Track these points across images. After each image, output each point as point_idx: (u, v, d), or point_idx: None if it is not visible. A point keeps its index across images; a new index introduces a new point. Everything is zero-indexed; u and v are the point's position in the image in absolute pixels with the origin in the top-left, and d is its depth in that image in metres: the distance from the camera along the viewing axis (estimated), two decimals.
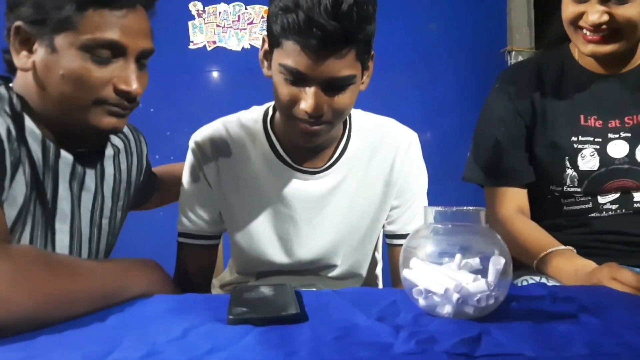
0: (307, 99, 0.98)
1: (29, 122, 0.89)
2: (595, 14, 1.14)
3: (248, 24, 2.91)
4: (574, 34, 1.22)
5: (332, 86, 0.99)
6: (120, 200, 1.08)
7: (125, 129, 1.11)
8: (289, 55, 0.96)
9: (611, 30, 1.16)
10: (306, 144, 1.08)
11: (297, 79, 0.98)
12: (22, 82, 0.91)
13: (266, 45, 1.05)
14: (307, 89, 0.98)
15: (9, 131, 0.82)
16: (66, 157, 0.93)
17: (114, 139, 1.07)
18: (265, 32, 1.05)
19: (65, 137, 0.94)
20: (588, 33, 1.17)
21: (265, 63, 1.07)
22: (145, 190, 1.21)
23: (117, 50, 0.88)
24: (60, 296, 0.69)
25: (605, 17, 1.14)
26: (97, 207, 1.01)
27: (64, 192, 0.93)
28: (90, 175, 1.00)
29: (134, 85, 0.89)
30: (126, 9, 0.88)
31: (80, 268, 0.75)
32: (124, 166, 1.09)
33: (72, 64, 0.85)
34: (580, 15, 1.17)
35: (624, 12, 1.13)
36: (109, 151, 1.05)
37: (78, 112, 0.89)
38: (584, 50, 1.21)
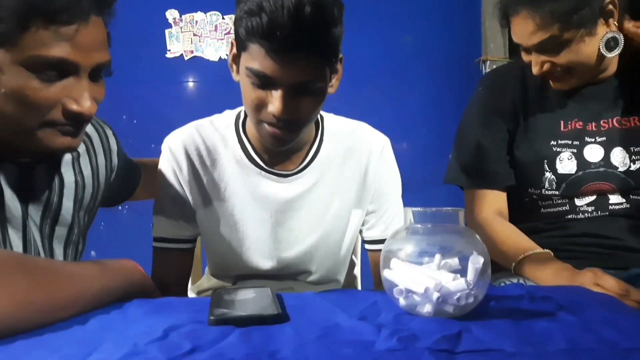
0: (274, 102, 0.98)
1: None
2: (536, 67, 1.20)
3: (225, 34, 2.92)
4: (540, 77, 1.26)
5: (299, 89, 0.98)
6: (84, 205, 1.03)
7: (90, 128, 1.04)
8: (255, 58, 0.96)
9: (563, 71, 1.20)
10: (276, 148, 1.09)
11: (264, 82, 0.98)
12: None
13: (234, 50, 1.05)
14: (274, 92, 0.98)
15: None
16: (9, 167, 0.86)
17: None
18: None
19: (7, 148, 0.85)
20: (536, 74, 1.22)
21: (234, 67, 1.07)
22: (125, 185, 1.17)
23: (66, 69, 0.79)
24: (43, 303, 0.67)
25: (546, 66, 1.19)
26: (49, 216, 0.94)
27: (11, 198, 0.87)
28: (40, 184, 0.93)
29: (86, 105, 0.81)
30: (78, 24, 0.77)
31: (63, 273, 0.73)
32: (87, 170, 1.03)
33: (15, 82, 0.76)
34: (532, 64, 1.22)
35: (565, 58, 1.17)
36: (67, 156, 0.98)
37: (24, 135, 0.81)
38: (551, 85, 1.26)
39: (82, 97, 0.81)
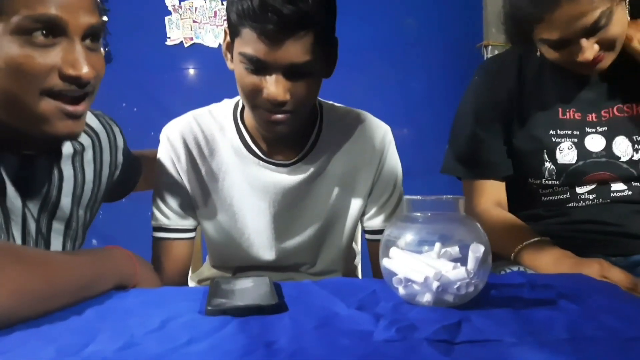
0: (269, 87, 0.97)
1: None
2: (590, 52, 1.10)
3: (224, 20, 2.89)
4: (567, 67, 1.19)
5: (294, 73, 0.98)
6: (84, 201, 1.02)
7: (96, 123, 1.05)
8: (247, 43, 0.95)
9: (608, 47, 1.13)
10: (272, 134, 1.08)
11: (258, 67, 0.97)
12: None
13: (228, 38, 1.04)
14: (268, 77, 0.97)
15: None
16: (10, 159, 0.86)
17: (80, 136, 0.95)
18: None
19: (10, 139, 0.84)
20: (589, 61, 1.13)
21: (229, 56, 1.05)
22: (127, 181, 1.16)
23: (56, 29, 0.77)
24: (37, 294, 0.66)
25: (597, 47, 1.11)
26: (46, 210, 0.94)
27: (12, 192, 0.86)
28: (40, 178, 0.92)
29: (84, 69, 0.79)
30: None
31: (55, 262, 0.72)
32: (89, 166, 1.02)
33: (8, 53, 0.75)
34: (568, 56, 1.14)
35: (612, 31, 1.10)
36: (67, 150, 0.97)
37: (25, 113, 0.80)
38: (589, 72, 1.19)
39: (77, 61, 0.79)
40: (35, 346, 0.56)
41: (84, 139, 1.01)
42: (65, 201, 0.97)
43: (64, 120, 0.82)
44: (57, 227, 0.96)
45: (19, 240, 0.87)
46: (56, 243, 0.96)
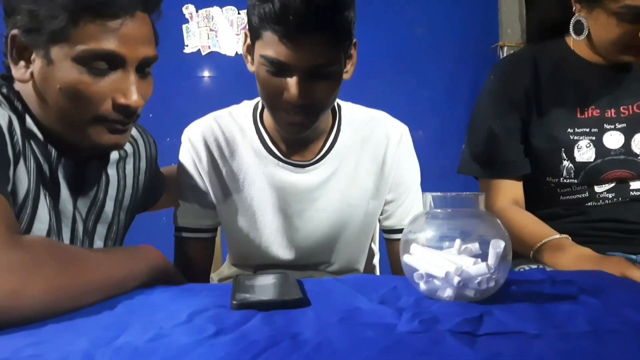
0: (291, 89, 0.99)
1: (30, 125, 0.86)
2: None
3: (241, 29, 2.92)
4: (619, 50, 1.20)
5: (314, 74, 0.99)
6: (125, 206, 1.06)
7: (135, 133, 1.09)
8: (269, 45, 0.97)
9: None
10: (293, 136, 1.09)
11: (279, 69, 0.98)
12: (24, 91, 0.87)
13: (248, 40, 1.06)
14: (289, 79, 0.99)
15: (10, 123, 0.79)
16: (67, 162, 0.91)
17: None
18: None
19: (66, 144, 0.90)
20: None
21: (249, 58, 1.07)
22: (154, 193, 1.19)
23: (114, 61, 0.83)
24: (71, 289, 0.68)
25: None
26: (93, 212, 0.98)
27: (65, 194, 0.91)
28: (91, 181, 0.97)
29: (134, 98, 0.85)
30: (123, 18, 0.83)
31: (89, 259, 0.75)
32: (130, 171, 1.06)
33: (68, 77, 0.81)
34: (631, 35, 1.15)
35: None
36: (113, 156, 1.02)
37: (77, 129, 0.86)
38: (636, 59, 1.20)
39: (129, 91, 0.85)
40: (68, 337, 0.58)
41: (127, 146, 1.06)
42: (109, 204, 1.01)
43: (110, 135, 0.88)
44: (100, 230, 1.00)
45: (66, 242, 0.91)
46: (98, 245, 0.99)
